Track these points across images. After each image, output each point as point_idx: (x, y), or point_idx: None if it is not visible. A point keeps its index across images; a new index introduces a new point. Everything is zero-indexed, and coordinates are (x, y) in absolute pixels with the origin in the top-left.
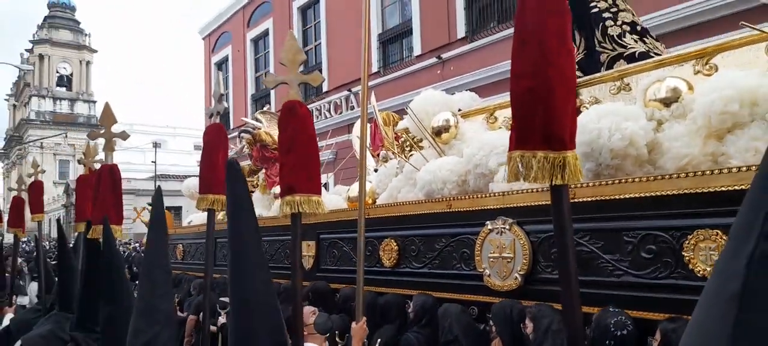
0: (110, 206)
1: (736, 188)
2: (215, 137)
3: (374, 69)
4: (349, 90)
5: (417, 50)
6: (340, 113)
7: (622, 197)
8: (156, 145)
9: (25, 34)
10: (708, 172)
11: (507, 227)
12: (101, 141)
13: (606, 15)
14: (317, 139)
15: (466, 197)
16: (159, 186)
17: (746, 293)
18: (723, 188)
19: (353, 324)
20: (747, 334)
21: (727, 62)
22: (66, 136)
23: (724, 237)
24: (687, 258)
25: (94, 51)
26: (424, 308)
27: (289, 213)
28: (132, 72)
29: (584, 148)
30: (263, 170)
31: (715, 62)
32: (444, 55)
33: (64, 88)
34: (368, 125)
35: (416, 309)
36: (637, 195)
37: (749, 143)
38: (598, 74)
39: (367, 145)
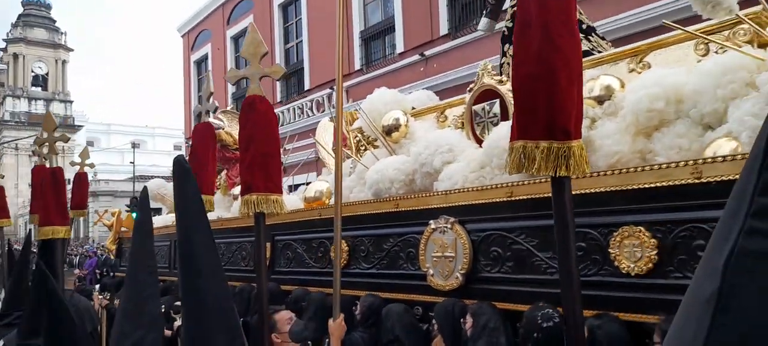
0: (54, 210)
1: (660, 184)
2: (204, 137)
3: (356, 66)
4: (331, 88)
5: (399, 47)
6: (322, 111)
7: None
8: (134, 145)
9: None
10: (632, 169)
11: (449, 226)
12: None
13: None
14: (282, 137)
15: (413, 196)
16: (145, 187)
17: (724, 294)
18: (647, 185)
19: (330, 322)
20: (723, 336)
21: (659, 60)
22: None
23: (648, 234)
24: (613, 255)
25: (70, 50)
26: (370, 309)
27: (249, 213)
28: (110, 70)
29: None
30: (224, 171)
31: (648, 60)
32: (427, 52)
33: (39, 88)
34: (331, 124)
35: (363, 310)
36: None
37: (674, 140)
38: None
39: (330, 144)
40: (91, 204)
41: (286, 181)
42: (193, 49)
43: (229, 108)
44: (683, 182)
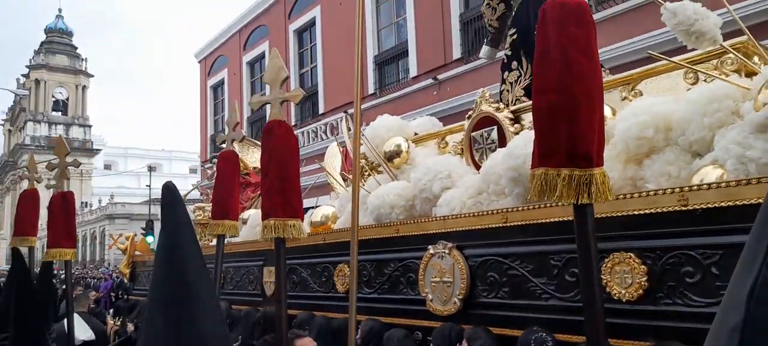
0: (63, 233)
1: (649, 211)
2: (229, 163)
3: (370, 90)
4: (346, 112)
5: (413, 72)
6: (337, 135)
7: (547, 220)
8: (151, 169)
9: (22, 60)
10: (621, 196)
11: (447, 251)
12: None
13: None
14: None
15: (412, 221)
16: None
17: (747, 325)
18: (636, 212)
19: None
20: None
21: (650, 89)
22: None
23: (638, 260)
24: (605, 281)
25: (91, 76)
26: (371, 333)
27: (268, 239)
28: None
29: (512, 173)
30: None
31: (639, 88)
32: (440, 76)
33: (59, 113)
34: (340, 150)
35: (363, 334)
36: (560, 219)
37: (664, 168)
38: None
39: (338, 169)
40: (107, 227)
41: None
42: (210, 75)
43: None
44: (670, 209)
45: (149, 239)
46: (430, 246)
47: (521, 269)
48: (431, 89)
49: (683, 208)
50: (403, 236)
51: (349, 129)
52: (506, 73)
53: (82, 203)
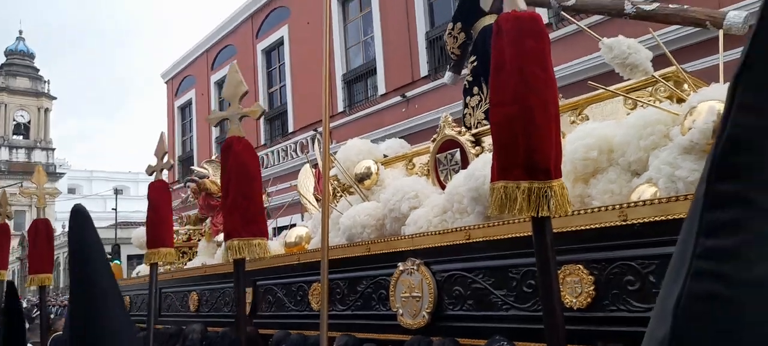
0: (45, 258)
1: (594, 226)
2: (160, 194)
3: (340, 108)
4: (316, 130)
5: (381, 89)
6: (307, 153)
7: (505, 236)
8: (117, 192)
9: None
10: (569, 213)
11: (415, 267)
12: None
13: None
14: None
15: (383, 240)
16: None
17: (675, 337)
18: (582, 227)
19: None
20: None
21: (595, 113)
22: (21, 186)
23: (586, 271)
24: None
25: (53, 98)
26: None
27: (230, 259)
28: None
29: (472, 193)
30: (209, 219)
31: (587, 113)
32: (408, 94)
33: (20, 136)
34: (312, 170)
35: None
36: (517, 235)
37: (607, 186)
38: None
39: (311, 190)
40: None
41: (271, 223)
42: (177, 95)
43: (215, 156)
44: (612, 224)
45: (116, 262)
46: (399, 263)
47: (484, 283)
48: (400, 106)
49: (623, 222)
50: (374, 254)
51: (321, 149)
52: (468, 97)
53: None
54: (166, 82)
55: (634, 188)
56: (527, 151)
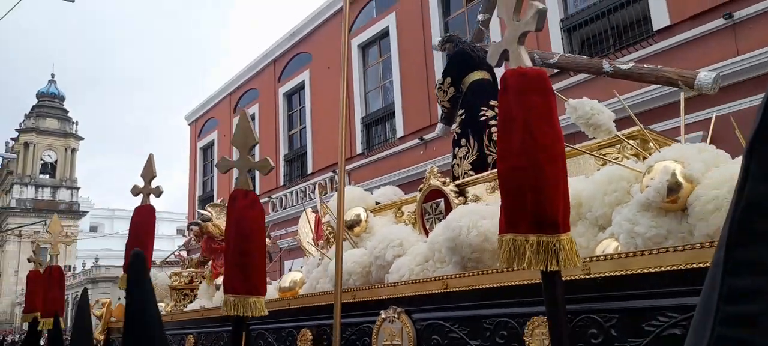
0: (59, 302)
1: (563, 279)
2: (146, 218)
3: (358, 150)
4: (334, 172)
5: (400, 132)
6: (325, 194)
7: (479, 287)
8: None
9: (12, 124)
10: (579, 265)
11: (396, 315)
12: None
13: (492, 122)
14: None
15: (367, 287)
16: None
17: None
18: None
19: None
20: None
21: (571, 168)
22: (45, 224)
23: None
24: (527, 342)
25: (81, 138)
26: None
27: (229, 313)
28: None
29: (449, 243)
30: (210, 261)
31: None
32: (426, 136)
33: (47, 176)
34: (313, 216)
35: None
36: (488, 285)
37: (576, 239)
38: (480, 175)
39: (312, 236)
40: (90, 291)
41: (288, 264)
42: (200, 136)
43: (220, 200)
44: (577, 277)
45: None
46: (382, 311)
47: (459, 332)
48: (418, 149)
49: (587, 276)
50: (359, 301)
51: (322, 195)
52: (456, 149)
53: (65, 266)
54: (189, 124)
55: (599, 242)
56: (535, 205)
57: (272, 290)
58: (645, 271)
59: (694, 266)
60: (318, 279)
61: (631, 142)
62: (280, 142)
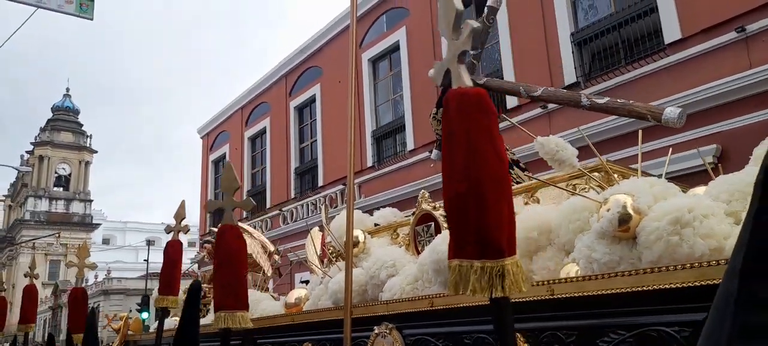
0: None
1: (529, 299)
2: (176, 252)
3: (369, 163)
4: (345, 184)
5: (410, 145)
6: (335, 207)
7: (459, 305)
8: (149, 243)
9: (27, 137)
10: (525, 291)
11: (388, 331)
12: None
13: None
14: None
15: (363, 305)
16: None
17: None
18: (519, 299)
19: None
20: None
21: (545, 196)
22: (58, 236)
23: (523, 338)
24: None
25: (94, 151)
26: None
27: (219, 326)
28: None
29: (434, 266)
30: None
31: (538, 196)
32: (437, 149)
33: (61, 188)
34: (319, 235)
35: None
36: (467, 304)
37: (545, 263)
38: None
39: (318, 253)
40: (102, 303)
41: (299, 276)
42: (212, 149)
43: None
44: (543, 297)
45: (145, 315)
46: (375, 326)
47: None
48: (428, 162)
49: (551, 296)
50: (355, 317)
51: (327, 215)
52: None
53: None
54: (201, 137)
55: (564, 266)
56: (478, 229)
57: (280, 306)
58: (599, 292)
59: (639, 289)
60: (320, 296)
61: (595, 174)
62: (291, 155)
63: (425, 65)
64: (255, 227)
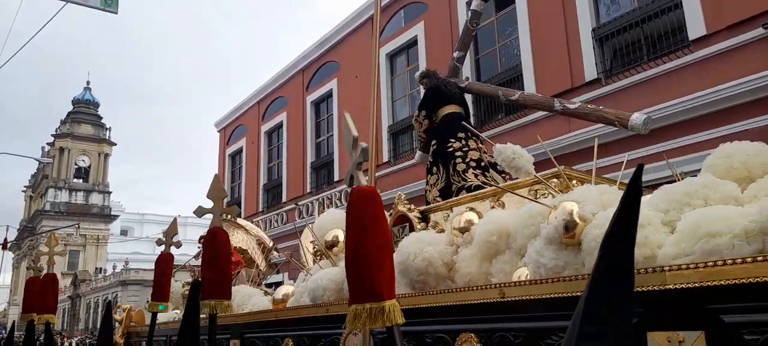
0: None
1: (483, 301)
2: (167, 266)
3: (385, 158)
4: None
5: None
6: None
7: (421, 306)
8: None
9: (48, 129)
10: (463, 289)
11: (359, 329)
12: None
13: (457, 153)
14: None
15: (339, 302)
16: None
17: None
18: (474, 302)
19: None
20: None
21: (510, 201)
22: (78, 227)
23: (476, 338)
24: None
25: (113, 144)
26: None
27: (206, 312)
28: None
29: (400, 267)
30: None
31: (503, 200)
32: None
33: (80, 180)
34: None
35: None
36: (427, 305)
37: (502, 266)
38: (439, 203)
39: (310, 250)
40: (120, 293)
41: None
42: (229, 143)
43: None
44: (494, 299)
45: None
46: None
47: (408, 345)
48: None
49: (502, 299)
50: (331, 314)
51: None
52: (429, 175)
53: (96, 268)
54: (218, 131)
55: (517, 269)
56: (366, 282)
57: (267, 302)
58: (543, 296)
59: (579, 293)
60: (303, 293)
61: (554, 180)
62: (307, 150)
63: (443, 60)
64: (272, 221)
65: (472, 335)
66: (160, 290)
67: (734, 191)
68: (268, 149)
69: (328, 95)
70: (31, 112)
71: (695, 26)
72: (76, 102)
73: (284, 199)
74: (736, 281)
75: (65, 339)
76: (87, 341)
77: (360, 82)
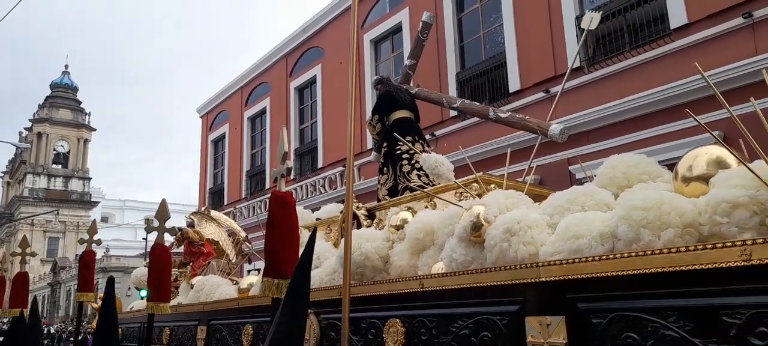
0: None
1: (406, 291)
2: (164, 255)
3: (369, 146)
4: (344, 166)
5: None
6: (335, 189)
7: (357, 295)
8: (148, 221)
9: (26, 114)
10: (391, 281)
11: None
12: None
13: (404, 156)
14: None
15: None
16: (110, 277)
17: None
18: (399, 292)
19: None
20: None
21: (440, 202)
22: (57, 214)
23: (400, 323)
24: (385, 339)
25: (93, 129)
26: None
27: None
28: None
29: (341, 260)
30: (191, 263)
31: (436, 201)
32: (437, 133)
33: (59, 166)
34: None
35: None
36: (361, 295)
37: (427, 260)
38: (383, 202)
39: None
40: (101, 280)
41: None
42: (211, 129)
43: (204, 208)
44: (415, 290)
45: (142, 293)
46: None
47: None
48: (430, 144)
49: (421, 289)
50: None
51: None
52: (380, 175)
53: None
54: (201, 117)
55: (436, 264)
56: (276, 265)
57: (232, 291)
58: (452, 287)
59: (476, 285)
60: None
61: (475, 185)
62: (291, 136)
63: (429, 46)
64: (254, 208)
65: (398, 320)
66: (158, 288)
67: (607, 199)
68: (251, 135)
69: (312, 81)
70: (6, 95)
71: (677, 15)
72: (54, 86)
73: (268, 185)
74: (588, 275)
75: (45, 326)
76: (69, 328)
77: (344, 68)
